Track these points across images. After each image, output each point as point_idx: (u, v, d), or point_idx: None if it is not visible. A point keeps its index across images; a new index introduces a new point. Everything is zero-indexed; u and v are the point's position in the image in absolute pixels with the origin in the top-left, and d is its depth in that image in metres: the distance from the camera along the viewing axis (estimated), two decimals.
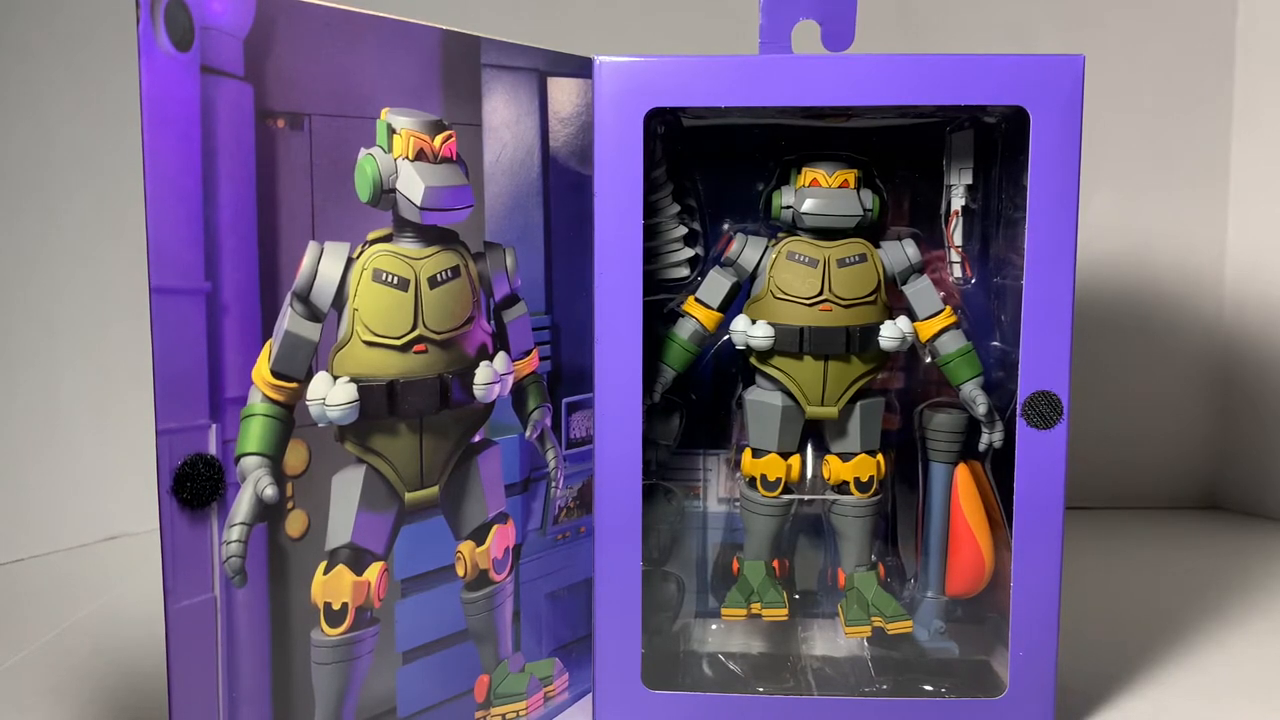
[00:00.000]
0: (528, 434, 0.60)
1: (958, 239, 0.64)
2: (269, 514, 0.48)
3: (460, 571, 0.57)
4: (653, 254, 0.64)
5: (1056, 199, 0.55)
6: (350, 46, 0.50)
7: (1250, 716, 0.63)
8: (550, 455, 0.61)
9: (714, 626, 0.68)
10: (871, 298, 0.61)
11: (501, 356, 0.57)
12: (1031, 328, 0.56)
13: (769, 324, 0.61)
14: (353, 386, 0.51)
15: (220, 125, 0.45)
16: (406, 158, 0.52)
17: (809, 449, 0.64)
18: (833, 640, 0.67)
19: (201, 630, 0.46)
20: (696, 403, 0.67)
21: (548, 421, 0.61)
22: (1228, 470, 1.09)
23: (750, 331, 0.61)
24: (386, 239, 0.52)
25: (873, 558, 0.65)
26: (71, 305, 0.95)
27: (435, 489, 0.55)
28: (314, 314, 0.50)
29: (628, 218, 0.56)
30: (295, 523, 0.50)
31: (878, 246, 0.62)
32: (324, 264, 0.50)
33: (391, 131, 0.51)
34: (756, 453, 0.63)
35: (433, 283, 0.53)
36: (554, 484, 0.62)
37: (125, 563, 0.91)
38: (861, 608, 0.63)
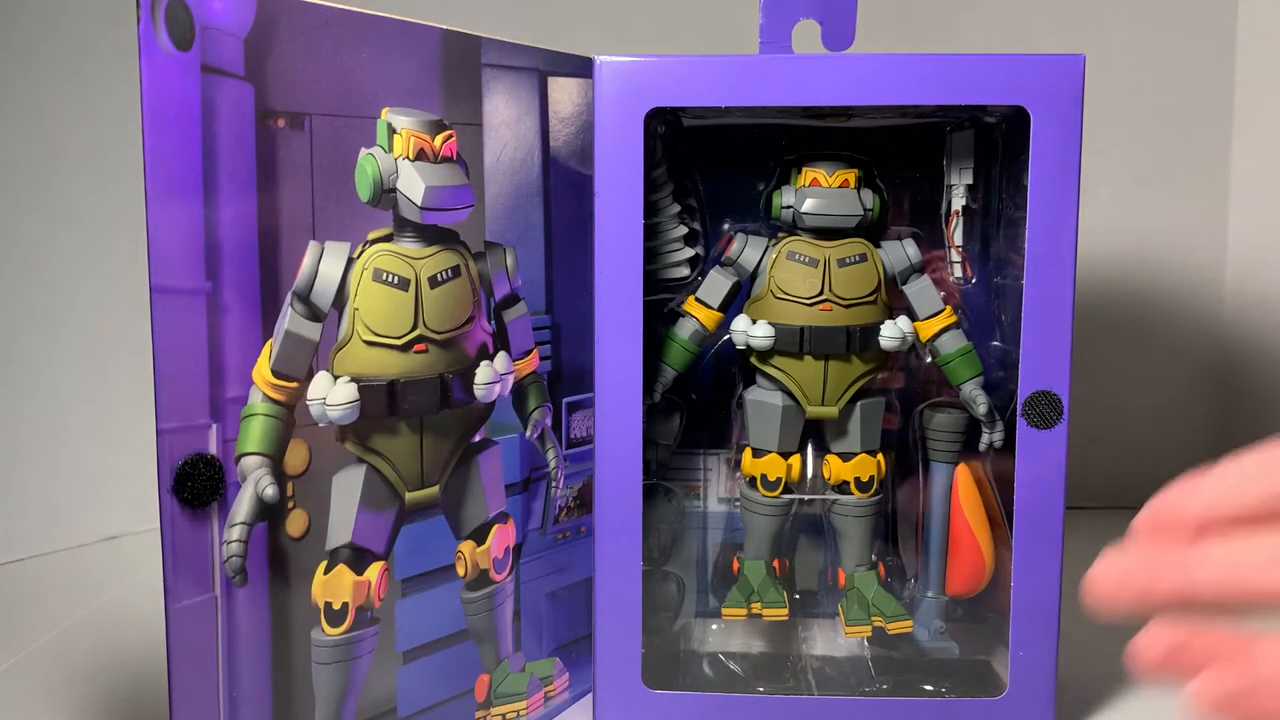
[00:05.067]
0: (528, 434, 0.60)
1: (958, 239, 0.64)
2: (269, 514, 0.48)
3: (460, 571, 0.57)
4: (653, 254, 0.64)
5: (1056, 199, 0.55)
6: (351, 46, 0.50)
7: None
8: (550, 455, 0.61)
9: (714, 626, 0.68)
10: (872, 297, 0.61)
11: (502, 356, 0.57)
12: (1031, 328, 0.56)
13: (769, 324, 0.61)
14: (353, 386, 0.51)
15: (220, 125, 0.45)
16: (407, 157, 0.52)
17: (809, 449, 0.64)
18: (833, 640, 0.67)
19: (201, 630, 0.46)
20: (696, 403, 0.67)
21: (548, 421, 0.61)
22: None
23: (750, 331, 0.61)
24: (387, 239, 0.52)
25: (873, 557, 0.65)
26: (71, 305, 0.95)
27: (436, 489, 0.55)
28: (314, 314, 0.50)
29: (628, 218, 0.56)
30: (296, 522, 0.50)
31: (878, 246, 0.62)
32: (324, 264, 0.50)
33: (392, 131, 0.51)
34: (757, 452, 0.63)
35: (433, 282, 0.53)
36: (554, 484, 0.62)
37: (125, 563, 0.91)
38: (862, 607, 0.63)
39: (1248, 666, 0.38)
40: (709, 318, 0.63)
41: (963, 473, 0.64)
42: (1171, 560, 0.40)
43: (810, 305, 0.60)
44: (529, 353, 0.59)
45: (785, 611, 0.64)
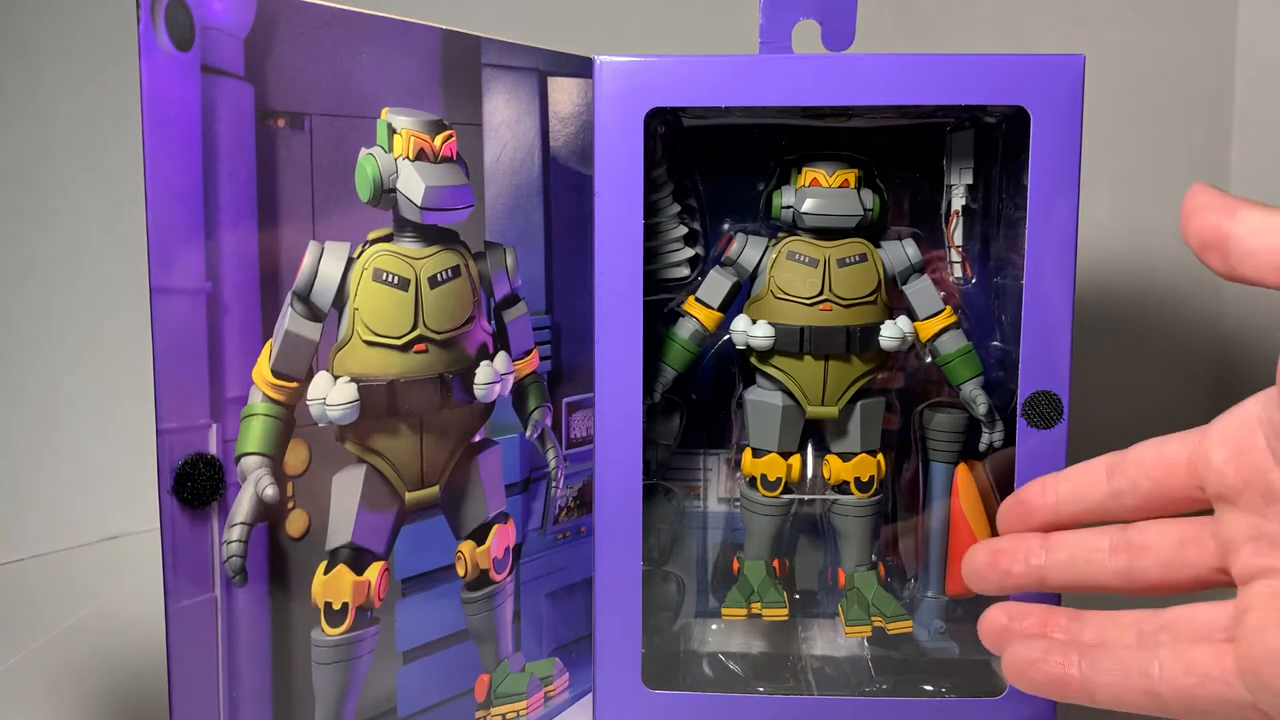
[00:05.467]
0: (528, 434, 0.60)
1: (958, 239, 0.64)
2: (269, 514, 0.48)
3: (460, 571, 0.57)
4: (653, 254, 0.64)
5: (1056, 199, 0.55)
6: (350, 46, 0.50)
7: None
8: (550, 455, 0.62)
9: (714, 626, 0.68)
10: (872, 297, 0.61)
11: (502, 356, 0.57)
12: (1031, 328, 0.56)
13: (769, 324, 0.61)
14: (353, 386, 0.51)
15: (220, 125, 0.45)
16: (407, 157, 0.52)
17: (809, 449, 0.64)
18: (833, 640, 0.67)
19: (201, 630, 0.46)
20: (696, 403, 0.67)
21: (548, 421, 0.61)
22: None
23: (750, 331, 0.61)
24: (387, 239, 0.52)
25: (873, 557, 0.65)
26: (71, 305, 0.95)
27: (435, 489, 0.55)
28: (314, 314, 0.50)
29: (628, 218, 0.56)
30: (296, 522, 0.50)
31: (878, 246, 0.62)
32: (324, 264, 0.50)
33: (392, 131, 0.51)
34: (757, 452, 0.63)
35: (433, 282, 0.53)
36: (554, 484, 0.62)
37: (125, 563, 0.91)
38: (862, 608, 0.63)
39: (1072, 633, 0.43)
40: (709, 318, 0.63)
41: (963, 473, 0.64)
42: (1028, 547, 0.45)
43: (810, 305, 0.60)
44: (529, 353, 0.59)
45: (785, 611, 0.64)
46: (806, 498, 0.65)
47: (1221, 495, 0.42)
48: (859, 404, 0.62)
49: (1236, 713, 0.40)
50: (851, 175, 0.61)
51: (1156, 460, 0.45)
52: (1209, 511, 0.44)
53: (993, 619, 0.49)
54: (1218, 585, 0.44)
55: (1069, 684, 0.44)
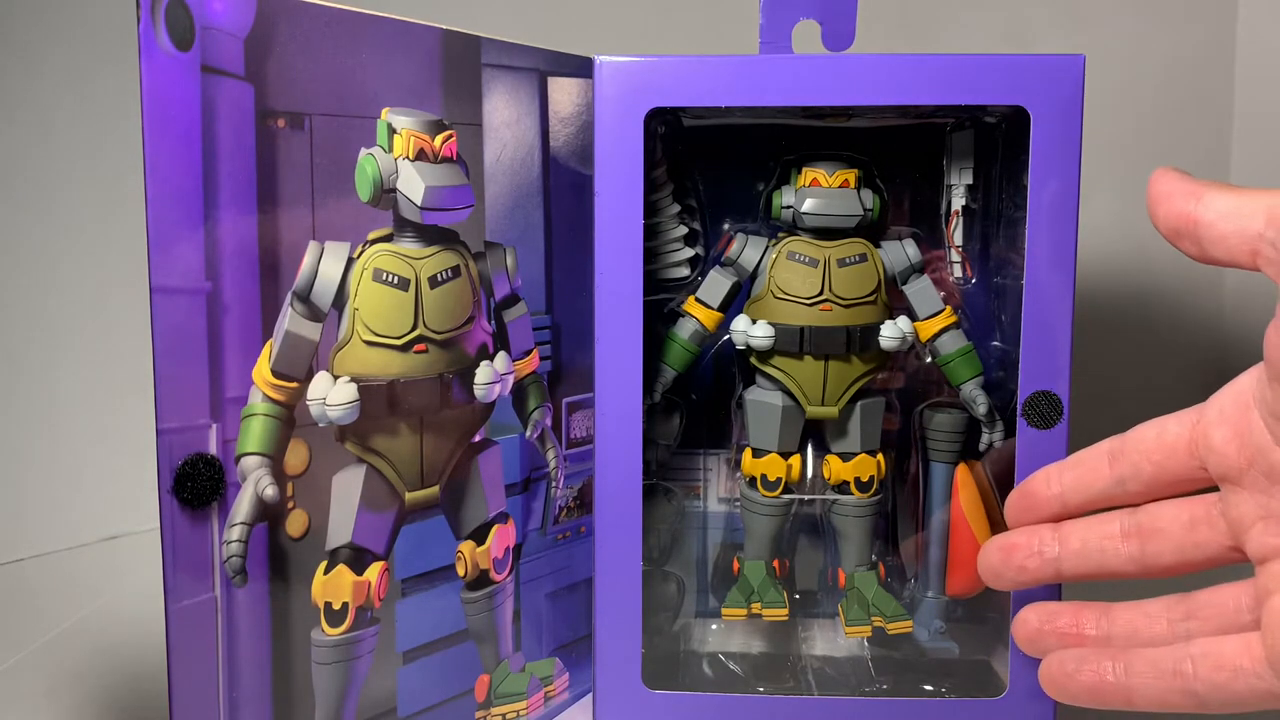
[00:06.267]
0: (528, 434, 0.60)
1: (958, 239, 0.64)
2: (269, 514, 0.48)
3: (460, 571, 0.57)
4: (653, 254, 0.64)
5: (1056, 199, 0.55)
6: (351, 46, 0.50)
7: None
8: (550, 455, 0.62)
9: (714, 626, 0.68)
10: (872, 297, 0.61)
11: (502, 356, 0.57)
12: (1031, 328, 0.56)
13: (769, 324, 0.61)
14: (353, 386, 0.51)
15: (220, 125, 0.45)
16: (407, 157, 0.52)
17: (809, 449, 0.64)
18: (833, 640, 0.67)
19: (201, 630, 0.46)
20: (696, 403, 0.67)
21: (548, 421, 0.61)
22: None
23: (750, 331, 0.61)
24: (387, 239, 0.52)
25: (873, 557, 0.65)
26: (71, 305, 0.95)
27: (435, 489, 0.55)
28: (314, 314, 0.50)
29: (628, 218, 0.56)
30: (296, 522, 0.50)
31: (878, 246, 0.62)
32: (324, 264, 0.50)
33: (392, 131, 0.51)
34: (757, 453, 0.63)
35: (433, 282, 0.53)
36: (554, 484, 0.62)
37: (125, 563, 0.91)
38: (862, 607, 0.63)
39: (1103, 628, 0.43)
40: (709, 318, 0.63)
41: (963, 473, 0.64)
42: (1040, 539, 0.45)
43: (810, 305, 0.60)
44: (529, 353, 0.59)
45: (785, 611, 0.64)
46: (806, 498, 0.65)
47: (1225, 476, 0.42)
48: (859, 404, 0.62)
49: (1272, 702, 0.40)
50: (851, 175, 0.61)
51: (1157, 444, 0.45)
52: (1215, 487, 0.44)
53: (1024, 621, 0.49)
54: (1233, 562, 0.43)
55: (1106, 691, 0.44)
